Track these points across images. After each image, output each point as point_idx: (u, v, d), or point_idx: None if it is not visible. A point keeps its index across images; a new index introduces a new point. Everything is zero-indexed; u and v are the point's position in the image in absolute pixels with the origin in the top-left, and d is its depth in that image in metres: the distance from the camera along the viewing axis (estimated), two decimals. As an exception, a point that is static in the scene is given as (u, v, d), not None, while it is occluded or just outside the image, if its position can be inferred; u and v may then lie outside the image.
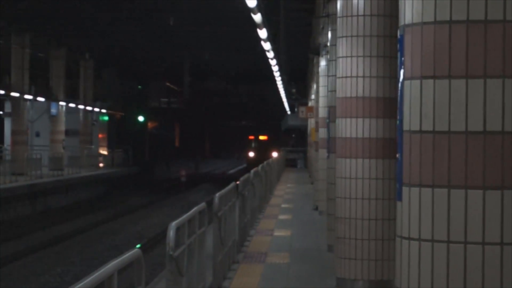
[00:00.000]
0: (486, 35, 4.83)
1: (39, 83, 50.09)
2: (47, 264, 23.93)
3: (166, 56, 58.30)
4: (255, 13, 21.73)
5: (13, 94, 43.62)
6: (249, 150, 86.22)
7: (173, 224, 7.95)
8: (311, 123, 36.32)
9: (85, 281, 5.03)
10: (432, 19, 4.97)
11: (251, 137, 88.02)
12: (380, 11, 11.55)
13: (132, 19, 40.45)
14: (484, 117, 4.83)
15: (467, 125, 4.87)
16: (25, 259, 24.82)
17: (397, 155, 5.27)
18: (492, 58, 4.83)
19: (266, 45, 29.49)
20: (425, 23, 5.01)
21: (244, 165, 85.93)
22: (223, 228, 12.12)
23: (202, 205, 10.09)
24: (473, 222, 4.86)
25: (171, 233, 7.79)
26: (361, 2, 11.62)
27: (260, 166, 26.01)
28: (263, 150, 78.91)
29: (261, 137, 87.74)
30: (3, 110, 56.70)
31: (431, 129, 4.97)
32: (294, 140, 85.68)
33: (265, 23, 24.16)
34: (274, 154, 64.23)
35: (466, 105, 4.86)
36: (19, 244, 28.03)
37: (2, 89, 43.31)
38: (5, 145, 53.35)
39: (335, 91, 13.33)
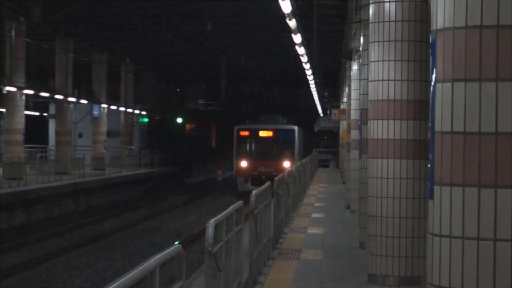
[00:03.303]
0: (516, 40, 4.82)
1: (82, 86, 50.36)
2: (90, 260, 24.04)
3: (203, 60, 58.38)
4: (290, 19, 21.71)
5: (57, 96, 43.87)
6: (240, 156, 49.84)
7: (212, 222, 7.97)
8: (343, 125, 36.25)
9: (128, 275, 5.06)
10: (463, 24, 4.96)
11: (244, 133, 50.79)
12: (411, 17, 11.52)
13: (171, 24, 40.53)
14: (515, 119, 4.82)
15: (497, 127, 4.85)
16: (68, 255, 24.95)
17: (429, 155, 5.26)
18: (522, 62, 4.81)
19: (300, 50, 29.45)
20: (456, 28, 5.00)
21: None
22: (259, 225, 12.13)
23: (239, 203, 10.10)
24: (502, 220, 4.85)
25: (210, 230, 7.81)
26: (393, 8, 11.60)
27: (293, 167, 25.79)
28: (266, 156, 49.59)
29: (264, 133, 50.76)
30: (47, 112, 57.06)
31: (462, 130, 4.96)
32: (327, 141, 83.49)
33: (300, 29, 24.14)
34: (286, 165, 45.20)
35: (496, 107, 4.85)
36: (63, 240, 28.19)
37: (47, 92, 43.56)
38: (49, 146, 53.73)
39: (367, 94, 13.33)
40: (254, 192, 12.02)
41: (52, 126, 54.42)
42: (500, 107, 4.85)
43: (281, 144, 50.69)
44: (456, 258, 4.99)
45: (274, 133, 51.21)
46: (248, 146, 51.24)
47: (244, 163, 49.42)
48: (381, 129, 11.73)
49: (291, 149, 50.55)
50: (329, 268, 13.46)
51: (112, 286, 4.68)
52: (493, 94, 4.86)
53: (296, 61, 37.41)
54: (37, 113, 57.90)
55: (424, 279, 10.63)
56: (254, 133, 51.10)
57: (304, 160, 36.18)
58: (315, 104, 65.41)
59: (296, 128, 52.15)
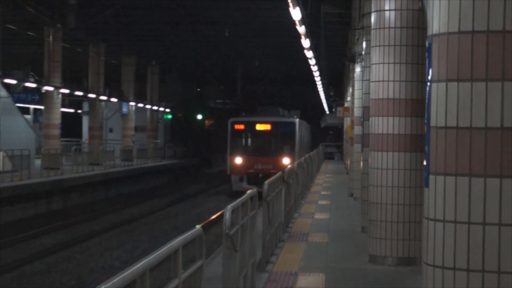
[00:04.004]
0: (504, 44, 4.81)
1: (112, 86, 50.43)
2: (119, 241, 24.10)
3: (221, 63, 58.41)
4: (299, 26, 21.71)
5: (90, 95, 43.96)
6: (234, 151, 40.60)
7: (229, 207, 7.98)
8: (347, 121, 36.24)
9: (154, 254, 5.08)
10: (456, 30, 4.96)
11: (239, 126, 41.37)
12: (409, 23, 11.51)
13: (192, 30, 40.58)
14: (502, 115, 4.82)
15: (487, 122, 4.85)
16: (100, 237, 25.01)
17: (425, 148, 5.27)
18: (509, 64, 4.81)
19: (309, 53, 29.43)
20: (450, 33, 5.00)
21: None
22: (271, 211, 12.13)
23: (254, 191, 10.11)
24: (491, 206, 4.85)
25: (227, 214, 7.82)
26: (392, 16, 11.58)
27: (302, 159, 25.72)
28: (264, 152, 40.22)
29: (261, 126, 41.35)
30: (81, 109, 57.21)
31: (454, 125, 4.96)
32: (332, 136, 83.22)
33: (308, 34, 24.13)
34: (286, 161, 37.87)
35: (486, 104, 4.85)
36: (95, 224, 28.26)
37: (81, 91, 43.67)
38: (83, 139, 53.86)
39: (369, 93, 13.30)
40: (267, 181, 12.01)
41: (85, 121, 54.54)
42: (490, 105, 4.85)
43: (280, 139, 40.76)
44: (449, 240, 4.99)
45: (272, 127, 40.94)
46: (243, 140, 41.25)
47: (239, 160, 39.95)
48: (382, 125, 11.72)
49: (292, 144, 40.59)
50: (334, 250, 13.46)
51: (142, 262, 4.71)
52: (483, 93, 4.86)
53: (305, 63, 37.36)
54: (72, 110, 58.03)
55: (420, 260, 10.64)
56: (250, 126, 41.03)
57: (311, 152, 36.16)
58: (321, 102, 65.37)
59: (297, 121, 41.77)
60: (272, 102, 69.71)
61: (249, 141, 41.26)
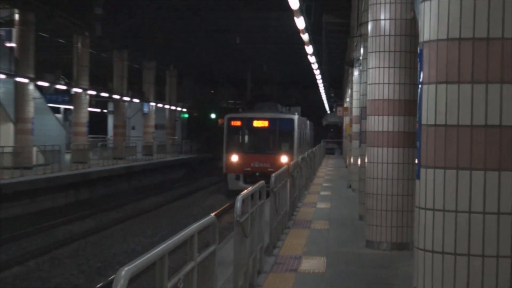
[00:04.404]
0: (488, 49, 4.81)
1: (135, 88, 50.47)
2: (140, 228, 24.17)
3: (232, 67, 58.39)
4: (303, 33, 21.72)
5: (115, 96, 44.04)
6: (230, 149, 35.86)
7: (240, 197, 7.99)
8: (346, 120, 36.19)
9: (173, 239, 5.09)
10: (445, 37, 4.95)
11: (236, 122, 36.50)
12: (402, 31, 11.50)
13: (207, 38, 40.61)
14: (486, 114, 4.81)
15: (472, 120, 4.85)
16: (123, 224, 25.09)
17: (417, 144, 5.27)
18: (493, 68, 4.81)
19: (312, 59, 29.45)
20: (439, 40, 4.99)
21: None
22: (277, 201, 12.14)
23: (262, 182, 10.11)
24: (476, 196, 4.84)
25: (238, 203, 7.83)
26: (387, 25, 11.58)
27: (305, 154, 25.69)
28: (261, 149, 35.18)
29: (258, 123, 36.37)
30: (107, 109, 57.33)
31: (443, 123, 4.96)
32: (333, 133, 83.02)
33: (311, 41, 24.14)
34: (284, 160, 33.47)
35: (472, 104, 4.85)
36: (119, 212, 28.33)
37: (106, 93, 43.74)
38: (108, 136, 53.98)
39: (366, 95, 13.29)
40: (274, 174, 12.01)
41: (110, 120, 54.66)
42: (475, 105, 4.85)
43: (278, 136, 35.57)
44: (438, 227, 4.99)
45: (270, 123, 35.69)
46: (240, 138, 36.17)
47: (235, 158, 34.91)
48: (377, 123, 11.71)
49: (290, 142, 35.52)
50: (334, 236, 13.46)
51: (161, 247, 4.72)
52: (469, 94, 4.86)
53: (308, 67, 37.37)
54: (98, 110, 58.15)
55: (412, 245, 10.63)
56: (247, 123, 35.88)
57: (314, 148, 36.09)
58: (323, 103, 65.32)
59: (295, 117, 36.52)
60: (279, 102, 68.83)
61: (246, 138, 36.42)
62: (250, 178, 32.90)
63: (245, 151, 35.30)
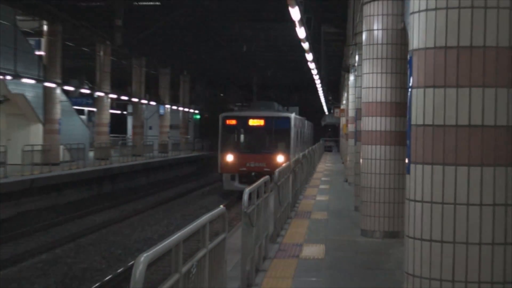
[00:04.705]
0: (471, 57, 4.81)
1: (151, 92, 50.45)
2: (157, 218, 24.17)
3: (240, 72, 58.33)
4: (304, 42, 21.70)
5: (134, 99, 44.03)
6: (226, 149, 31.67)
7: (247, 190, 7.99)
8: (343, 120, 36.16)
9: (187, 229, 5.11)
10: (432, 45, 4.96)
11: (231, 121, 32.33)
12: (394, 40, 11.50)
13: (217, 46, 40.60)
14: (469, 115, 4.82)
15: (457, 121, 4.86)
16: (141, 215, 25.09)
17: (407, 142, 5.27)
18: (475, 73, 4.81)
19: (311, 65, 29.40)
20: (427, 48, 5.00)
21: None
22: (281, 193, 12.15)
23: (266, 177, 10.12)
24: (461, 190, 4.85)
25: (245, 196, 7.84)
26: (380, 35, 11.57)
27: (306, 151, 25.59)
28: (257, 149, 31.17)
29: (254, 122, 32.20)
30: (126, 111, 57.36)
31: (431, 123, 4.97)
32: (330, 132, 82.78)
33: (311, 49, 24.11)
34: (280, 159, 29.71)
35: (456, 106, 4.85)
36: (137, 204, 28.33)
37: (126, 96, 43.76)
38: (127, 135, 54.02)
39: (360, 97, 13.30)
40: (277, 169, 12.01)
41: (129, 121, 54.70)
42: (459, 107, 4.85)
43: (274, 135, 31.30)
44: (426, 217, 5.00)
45: (266, 122, 31.49)
46: (235, 137, 32.10)
47: (230, 158, 30.85)
48: (371, 123, 11.71)
49: (286, 141, 31.21)
50: (332, 225, 13.47)
51: (176, 235, 4.73)
52: (454, 97, 4.86)
53: (308, 73, 37.31)
54: (118, 112, 58.18)
55: (403, 233, 10.64)
56: (243, 122, 31.77)
57: (314, 146, 36.00)
58: (322, 105, 65.26)
59: (292, 115, 32.18)
60: (281, 104, 68.07)
61: (241, 137, 32.18)
62: (245, 178, 29.46)
63: (240, 150, 31.15)
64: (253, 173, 29.37)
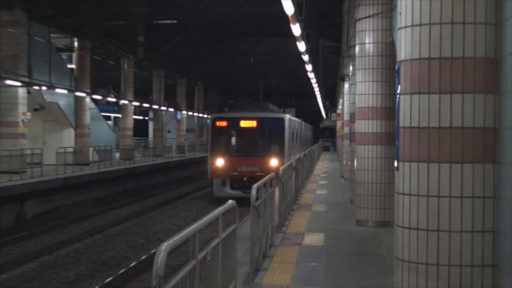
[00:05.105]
0: (452, 67, 4.82)
1: (170, 100, 50.48)
2: (175, 211, 24.19)
3: (248, 82, 58.33)
4: (304, 55, 21.71)
5: (154, 106, 44.07)
6: (216, 152, 26.28)
7: (255, 186, 8.01)
8: (339, 123, 36.11)
9: (202, 220, 5.12)
10: (417, 57, 4.96)
11: (222, 123, 26.84)
12: (383, 53, 11.50)
13: (227, 59, 40.63)
14: (451, 118, 4.82)
15: (440, 123, 4.86)
16: (162, 208, 25.12)
17: (396, 142, 5.27)
18: (455, 81, 4.81)
19: (311, 75, 29.41)
20: (413, 59, 5.00)
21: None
22: (285, 188, 12.17)
23: (272, 174, 10.13)
24: (444, 184, 4.85)
25: (253, 191, 7.85)
26: (371, 48, 11.58)
27: (307, 151, 25.46)
28: (248, 152, 26.06)
29: (246, 123, 26.58)
30: (148, 116, 57.42)
31: (417, 125, 4.97)
32: (328, 134, 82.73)
33: (310, 61, 24.11)
34: (274, 163, 25.32)
35: (439, 110, 4.86)
36: (158, 199, 28.36)
37: (148, 103, 43.80)
38: (149, 138, 54.08)
39: (354, 103, 13.30)
40: (282, 167, 12.01)
41: (151, 125, 54.79)
42: (442, 111, 4.85)
43: (267, 137, 26.26)
44: (413, 208, 5.00)
45: (258, 123, 26.37)
46: (226, 139, 26.69)
47: (220, 162, 25.78)
48: (364, 125, 11.71)
49: (280, 143, 26.10)
50: (330, 216, 13.47)
51: (193, 226, 4.75)
52: (437, 102, 4.86)
53: (308, 81, 37.29)
54: (141, 117, 58.26)
55: (393, 223, 10.63)
56: (234, 123, 26.62)
57: (313, 146, 35.91)
58: (320, 110, 65.20)
59: (286, 116, 26.99)
60: (284, 112, 67.71)
61: (233, 140, 26.78)
62: (237, 183, 25.13)
63: (231, 154, 25.91)
64: (245, 178, 24.86)
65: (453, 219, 4.81)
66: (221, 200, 24.56)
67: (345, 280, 7.72)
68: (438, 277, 4.81)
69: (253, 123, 26.35)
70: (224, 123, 26.61)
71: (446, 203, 4.82)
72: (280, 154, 25.69)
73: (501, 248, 4.67)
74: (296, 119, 33.02)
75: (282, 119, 26.49)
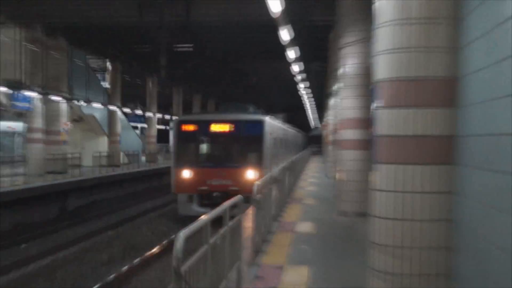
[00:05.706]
0: (417, 85, 4.86)
1: (187, 112, 50.44)
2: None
3: (251, 98, 58.25)
4: (298, 75, 21.76)
5: (174, 117, 44.09)
6: (181, 162, 16.70)
7: (256, 183, 8.03)
8: (325, 132, 36.10)
9: (213, 212, 5.16)
10: (389, 77, 5.00)
11: (188, 127, 16.46)
12: (363, 72, 11.53)
13: (230, 78, 40.70)
14: (415, 128, 4.86)
15: (407, 132, 4.89)
16: (170, 206, 25.04)
17: (373, 148, 5.31)
18: (420, 98, 4.85)
19: (303, 91, 29.42)
20: (385, 79, 5.04)
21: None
22: (281, 186, 12.17)
23: (272, 173, 10.14)
24: (409, 182, 4.88)
25: (255, 188, 7.86)
26: (351, 69, 11.62)
27: (298, 155, 25.30)
28: (220, 162, 16.57)
29: (217, 127, 16.47)
30: (169, 126, 57.38)
31: (391, 134, 5.00)
32: (316, 141, 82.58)
33: (304, 80, 24.14)
34: (251, 175, 16.26)
35: (407, 121, 4.89)
36: (164, 199, 28.26)
37: (169, 115, 43.84)
38: (170, 144, 54.02)
39: (338, 116, 13.33)
40: (278, 169, 11.96)
41: (171, 133, 54.67)
42: (408, 122, 4.89)
43: (243, 144, 17.25)
44: (386, 201, 5.03)
45: (232, 127, 17.42)
46: (194, 147, 17.67)
47: (187, 174, 17.22)
48: (346, 134, 11.74)
49: (259, 151, 17.13)
50: (319, 208, 13.47)
51: (207, 216, 4.79)
52: (405, 114, 4.90)
53: (301, 98, 37.26)
54: (163, 127, 58.26)
55: (368, 213, 10.65)
56: (203, 127, 17.53)
57: (303, 151, 35.72)
58: (310, 121, 65.13)
59: (266, 119, 17.63)
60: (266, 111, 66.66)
61: (201, 147, 17.87)
62: (207, 200, 17.07)
63: (200, 164, 17.37)
64: (215, 194, 17.01)
65: (415, 210, 4.85)
66: (186, 220, 15.83)
67: (329, 259, 7.76)
68: (402, 257, 4.86)
69: (226, 127, 17.59)
70: (191, 127, 17.71)
71: (410, 197, 4.86)
72: (259, 164, 17.20)
73: (454, 234, 4.72)
74: (280, 123, 23.89)
75: (261, 122, 17.54)
